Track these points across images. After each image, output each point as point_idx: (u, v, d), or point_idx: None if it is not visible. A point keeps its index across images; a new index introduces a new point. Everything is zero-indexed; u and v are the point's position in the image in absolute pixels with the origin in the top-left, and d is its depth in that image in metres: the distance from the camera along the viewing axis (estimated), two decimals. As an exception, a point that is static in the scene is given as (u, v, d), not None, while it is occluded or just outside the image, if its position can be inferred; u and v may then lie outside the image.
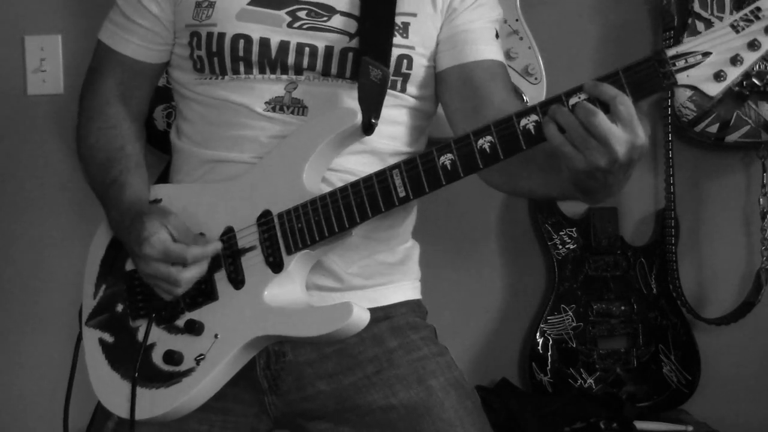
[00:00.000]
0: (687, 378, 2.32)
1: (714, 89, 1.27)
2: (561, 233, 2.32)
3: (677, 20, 2.27)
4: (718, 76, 1.27)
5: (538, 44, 2.22)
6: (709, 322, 2.34)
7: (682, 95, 2.26)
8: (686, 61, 1.27)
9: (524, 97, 2.18)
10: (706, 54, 1.27)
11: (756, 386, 2.43)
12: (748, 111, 2.26)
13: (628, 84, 1.27)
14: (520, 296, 2.40)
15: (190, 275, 1.46)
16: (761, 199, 2.37)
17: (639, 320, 2.33)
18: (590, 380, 2.30)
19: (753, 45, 1.25)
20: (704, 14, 2.24)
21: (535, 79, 2.22)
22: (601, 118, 1.25)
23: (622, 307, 2.33)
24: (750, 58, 1.26)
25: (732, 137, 2.27)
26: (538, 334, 2.30)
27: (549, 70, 2.22)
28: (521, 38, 2.21)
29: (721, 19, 2.25)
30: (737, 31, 1.26)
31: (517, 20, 2.21)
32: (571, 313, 2.31)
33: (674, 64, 1.27)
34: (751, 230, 2.42)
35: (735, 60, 1.26)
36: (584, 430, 2.13)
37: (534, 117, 1.31)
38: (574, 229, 2.33)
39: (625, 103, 1.26)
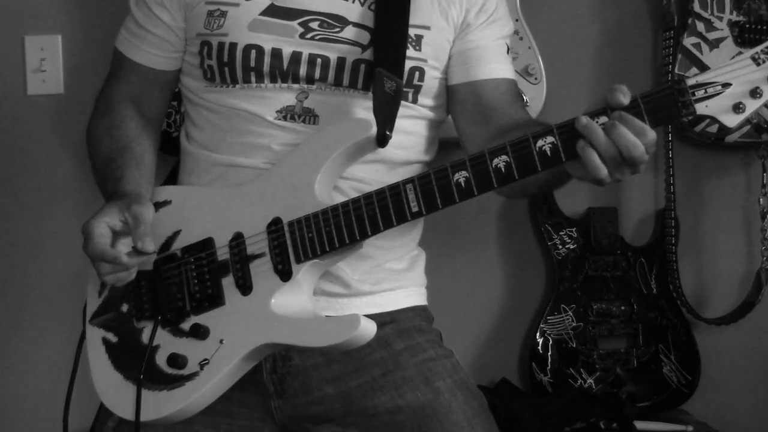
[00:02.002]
0: (687, 378, 2.32)
1: (732, 121, 1.27)
2: (561, 233, 2.32)
3: (677, 20, 2.27)
4: (737, 108, 1.26)
5: (538, 44, 2.22)
6: (709, 322, 2.34)
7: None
8: (705, 92, 1.26)
9: (524, 97, 2.19)
10: (726, 85, 1.26)
11: (756, 386, 2.43)
12: (748, 111, 2.26)
13: (647, 111, 1.27)
14: (520, 296, 2.40)
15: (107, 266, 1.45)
16: (761, 199, 2.37)
17: (639, 320, 2.33)
18: (590, 380, 2.30)
19: None
20: (704, 14, 2.24)
21: (535, 79, 2.22)
22: (643, 151, 1.27)
23: (622, 307, 2.33)
24: None
25: (732, 137, 2.27)
26: (538, 334, 2.30)
27: (549, 70, 2.22)
28: (521, 38, 2.21)
29: (721, 19, 2.25)
30: (758, 64, 1.26)
31: (517, 20, 2.21)
32: (571, 313, 2.31)
33: (693, 94, 1.26)
34: (751, 230, 2.42)
35: (755, 92, 1.26)
36: (584, 430, 2.13)
37: (551, 139, 1.31)
38: (574, 229, 2.33)
39: (653, 139, 1.28)
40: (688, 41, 2.23)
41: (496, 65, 1.60)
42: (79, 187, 2.26)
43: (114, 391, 1.51)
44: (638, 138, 1.26)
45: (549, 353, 2.30)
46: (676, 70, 2.24)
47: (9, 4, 2.30)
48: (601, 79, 2.36)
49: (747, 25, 2.25)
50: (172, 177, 1.69)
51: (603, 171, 1.29)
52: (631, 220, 2.41)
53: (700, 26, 2.24)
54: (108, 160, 1.58)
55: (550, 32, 2.32)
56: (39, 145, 2.31)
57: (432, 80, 1.58)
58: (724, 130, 2.21)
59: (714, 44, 2.24)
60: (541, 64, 2.21)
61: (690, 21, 2.24)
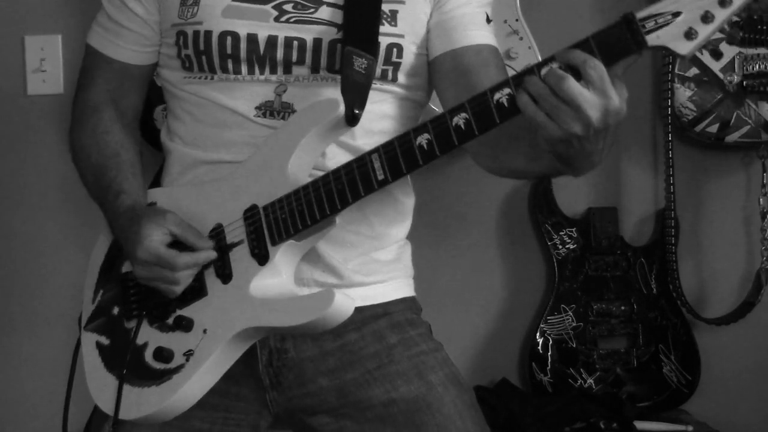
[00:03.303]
0: (687, 378, 2.32)
1: (685, 48, 1.24)
2: (561, 233, 2.32)
3: (677, 20, 2.27)
4: (689, 35, 1.23)
5: (538, 44, 2.22)
6: (709, 322, 2.34)
7: (683, 95, 2.26)
8: (656, 22, 1.24)
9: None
10: (677, 14, 1.24)
11: (756, 386, 2.43)
12: (748, 111, 2.26)
13: (599, 49, 1.25)
14: (520, 296, 2.40)
15: (184, 275, 1.47)
16: (761, 199, 2.37)
17: (639, 320, 2.33)
18: (590, 380, 2.30)
19: (724, 2, 1.23)
20: (704, 14, 2.24)
21: (535, 79, 2.22)
22: (571, 83, 1.24)
23: (622, 307, 2.33)
24: (721, 15, 1.23)
25: (732, 137, 2.27)
26: (538, 334, 2.31)
27: (549, 70, 2.22)
28: (521, 38, 2.21)
29: (720, 19, 2.25)
30: None
31: (517, 20, 2.21)
32: (571, 313, 2.31)
33: (644, 26, 1.24)
34: (751, 230, 2.42)
35: (706, 17, 1.23)
36: (584, 430, 2.13)
37: (507, 90, 1.30)
38: (574, 229, 2.33)
39: (595, 66, 1.23)
40: (688, 41, 2.23)
41: (475, 31, 1.57)
42: (78, 187, 2.26)
43: (106, 392, 1.51)
44: (580, 68, 1.23)
45: (549, 353, 2.30)
46: (676, 70, 2.24)
47: (9, 4, 2.30)
48: (601, 79, 2.36)
49: (747, 25, 2.25)
50: (159, 176, 1.68)
51: (540, 115, 1.26)
52: (631, 220, 2.41)
53: (700, 26, 2.24)
54: (102, 168, 1.57)
55: (550, 32, 2.32)
56: (39, 145, 2.32)
57: (410, 56, 1.56)
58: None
59: (714, 43, 2.24)
60: (541, 64, 2.21)
61: (690, 21, 2.24)
